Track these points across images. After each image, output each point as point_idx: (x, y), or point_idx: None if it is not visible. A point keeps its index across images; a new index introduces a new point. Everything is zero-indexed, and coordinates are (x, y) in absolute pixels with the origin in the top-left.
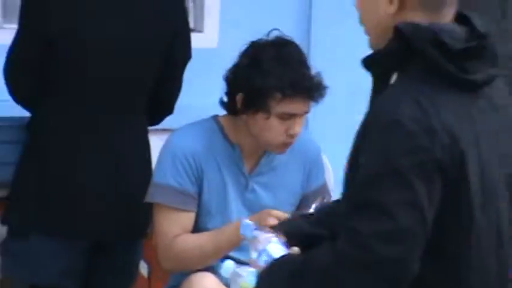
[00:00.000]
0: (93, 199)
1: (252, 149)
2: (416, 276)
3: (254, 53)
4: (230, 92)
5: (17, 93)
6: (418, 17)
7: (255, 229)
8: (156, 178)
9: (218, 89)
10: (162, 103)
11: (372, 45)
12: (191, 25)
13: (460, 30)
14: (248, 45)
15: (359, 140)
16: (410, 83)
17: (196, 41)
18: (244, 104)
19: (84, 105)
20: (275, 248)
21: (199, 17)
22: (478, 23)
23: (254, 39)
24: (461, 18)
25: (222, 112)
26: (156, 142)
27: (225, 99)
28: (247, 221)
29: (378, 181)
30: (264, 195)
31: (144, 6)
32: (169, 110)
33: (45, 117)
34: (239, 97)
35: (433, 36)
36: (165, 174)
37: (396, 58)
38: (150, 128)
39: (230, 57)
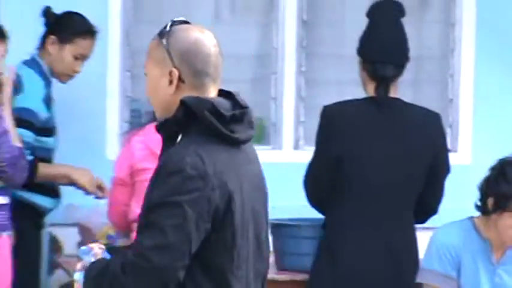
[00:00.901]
0: (374, 285)
1: (500, 243)
2: (190, 282)
3: (501, 166)
4: (482, 197)
5: (310, 199)
6: (189, 94)
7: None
8: (424, 264)
9: (472, 198)
10: (427, 205)
11: (158, 115)
12: (448, 145)
13: (226, 102)
14: (497, 161)
15: (151, 182)
16: (191, 141)
17: (452, 158)
18: (493, 206)
19: (367, 207)
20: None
21: (455, 139)
22: (240, 97)
23: (502, 156)
24: (225, 93)
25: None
26: (421, 237)
27: (478, 203)
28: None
29: (159, 208)
30: (508, 280)
31: (411, 131)
32: (433, 211)
33: (336, 218)
34: (489, 201)
35: (211, 106)
36: (432, 261)
37: (181, 123)
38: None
39: (482, 172)
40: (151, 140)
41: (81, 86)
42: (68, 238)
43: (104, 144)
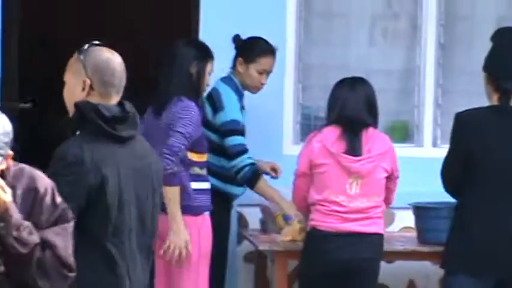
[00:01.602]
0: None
1: None
2: (78, 252)
3: None
4: None
5: (446, 186)
6: (96, 100)
7: None
8: None
9: None
10: None
11: (71, 115)
12: None
13: (114, 108)
14: None
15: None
16: (82, 136)
17: None
18: None
19: (492, 191)
20: None
21: None
22: (129, 105)
23: None
24: (120, 102)
25: None
26: None
27: None
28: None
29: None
30: None
31: None
32: None
33: (466, 201)
34: None
35: (96, 109)
36: None
37: (77, 122)
38: None
39: None
40: (326, 139)
41: (263, 95)
42: (252, 216)
43: (280, 142)
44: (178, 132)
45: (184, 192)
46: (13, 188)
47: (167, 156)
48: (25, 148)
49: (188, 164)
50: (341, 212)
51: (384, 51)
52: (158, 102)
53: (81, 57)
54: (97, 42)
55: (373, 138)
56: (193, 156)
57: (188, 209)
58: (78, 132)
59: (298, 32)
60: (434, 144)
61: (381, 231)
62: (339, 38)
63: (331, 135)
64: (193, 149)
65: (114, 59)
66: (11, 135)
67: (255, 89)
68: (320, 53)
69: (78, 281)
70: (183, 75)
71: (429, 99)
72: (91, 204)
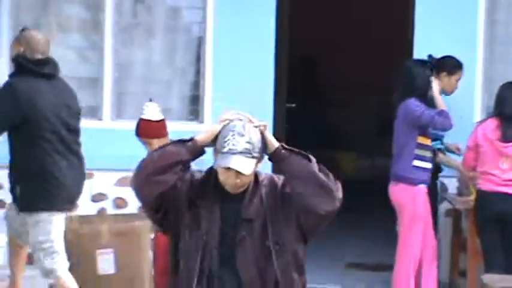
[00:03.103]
0: None
1: None
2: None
3: None
4: None
5: None
6: (31, 56)
7: None
8: None
9: None
10: None
11: None
12: None
13: (40, 57)
14: None
15: None
16: (19, 77)
17: None
18: None
19: None
20: None
21: None
22: (52, 60)
23: None
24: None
25: None
26: None
27: None
28: None
29: None
30: None
31: None
32: None
33: None
34: None
35: (23, 55)
36: None
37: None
38: None
39: None
40: (487, 128)
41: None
42: (451, 184)
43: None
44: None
45: (408, 166)
46: None
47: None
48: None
49: (416, 145)
50: (496, 180)
51: None
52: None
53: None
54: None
55: None
56: (420, 140)
57: (406, 179)
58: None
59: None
60: None
61: None
62: None
63: (491, 125)
64: (421, 133)
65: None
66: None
67: (451, 93)
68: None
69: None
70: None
71: None
72: (25, 121)
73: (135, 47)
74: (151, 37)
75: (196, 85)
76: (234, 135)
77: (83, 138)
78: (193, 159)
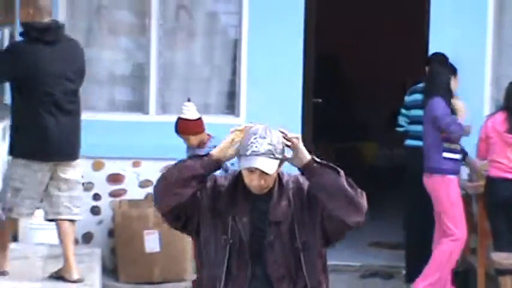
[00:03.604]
0: None
1: None
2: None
3: None
4: None
5: None
6: (39, 19)
7: None
8: None
9: None
10: None
11: None
12: None
13: (45, 23)
14: None
15: None
16: (24, 42)
17: None
18: None
19: None
20: None
21: None
22: (56, 23)
23: None
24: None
25: None
26: None
27: None
28: None
29: None
30: None
31: None
32: None
33: None
34: None
35: (31, 23)
36: None
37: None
38: None
39: None
40: (496, 121)
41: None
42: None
43: None
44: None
45: (439, 158)
46: None
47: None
48: None
49: (443, 138)
50: (504, 168)
51: None
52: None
53: None
54: None
55: None
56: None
57: (438, 170)
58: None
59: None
60: None
61: None
62: None
63: (499, 118)
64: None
65: None
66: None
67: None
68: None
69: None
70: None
71: None
72: (21, 78)
73: (178, 49)
74: (192, 39)
75: (233, 83)
76: (256, 138)
77: (131, 132)
78: (208, 174)
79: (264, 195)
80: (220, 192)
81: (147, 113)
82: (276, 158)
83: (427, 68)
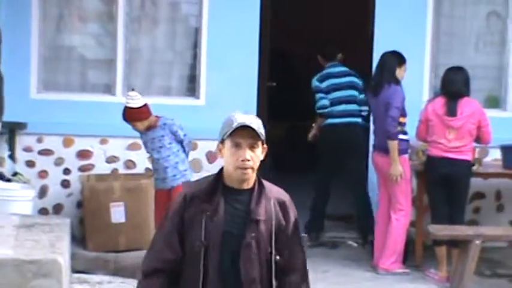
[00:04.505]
0: None
1: None
2: None
3: None
4: None
5: None
6: None
7: None
8: None
9: None
10: None
11: None
12: None
13: None
14: None
15: None
16: None
17: None
18: None
19: None
20: None
21: None
22: None
23: None
24: None
25: None
26: None
27: None
28: None
29: None
30: None
31: None
32: None
33: None
34: None
35: None
36: None
37: None
38: None
39: None
40: (436, 105)
41: None
42: None
43: None
44: (395, 106)
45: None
46: None
47: (391, 122)
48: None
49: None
50: (443, 148)
51: None
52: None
53: None
54: None
55: (465, 104)
56: (402, 119)
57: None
58: None
59: (432, 42)
60: None
61: (469, 159)
62: None
63: (439, 102)
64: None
65: None
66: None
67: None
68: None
69: None
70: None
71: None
72: None
73: (143, 35)
74: (156, 26)
75: (193, 67)
76: (238, 114)
77: (99, 112)
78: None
79: (243, 193)
80: (194, 200)
81: (114, 94)
82: (262, 135)
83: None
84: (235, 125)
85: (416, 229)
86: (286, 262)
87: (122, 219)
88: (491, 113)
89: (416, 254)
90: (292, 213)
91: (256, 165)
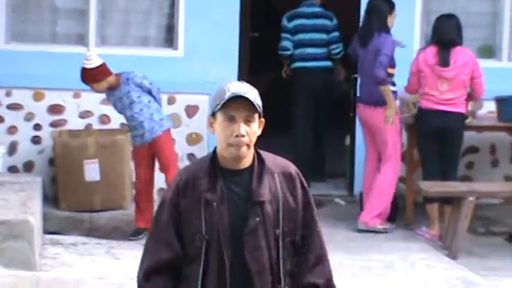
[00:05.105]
0: None
1: None
2: None
3: None
4: None
5: None
6: None
7: None
8: None
9: None
10: None
11: None
12: None
13: None
14: None
15: None
16: None
17: None
18: None
19: None
20: None
21: None
22: None
23: None
24: None
25: None
26: None
27: None
28: None
29: None
30: None
31: None
32: None
33: None
34: None
35: None
36: None
37: None
38: None
39: None
40: (427, 55)
41: None
42: None
43: None
44: (385, 53)
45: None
46: None
47: (379, 67)
48: None
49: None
50: (435, 100)
51: None
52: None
53: None
54: None
55: (458, 54)
56: (391, 70)
57: (383, 103)
58: None
59: None
60: (510, 59)
61: (462, 111)
62: None
63: (431, 52)
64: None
65: None
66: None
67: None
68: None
69: None
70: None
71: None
72: None
73: None
74: None
75: (171, 16)
76: (231, 84)
77: (72, 64)
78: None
79: (242, 174)
80: (188, 187)
81: (86, 45)
82: (259, 107)
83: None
84: (227, 95)
85: (407, 186)
86: (299, 243)
87: (97, 178)
88: (485, 63)
89: (407, 211)
90: (301, 187)
91: (253, 141)
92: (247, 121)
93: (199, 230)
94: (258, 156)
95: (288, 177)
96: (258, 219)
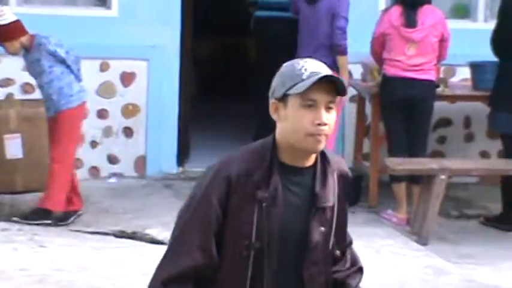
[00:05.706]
0: None
1: None
2: None
3: None
4: None
5: (494, 49)
6: None
7: None
8: None
9: None
10: None
11: None
12: None
13: None
14: None
15: None
16: None
17: None
18: None
19: None
20: None
21: None
22: None
23: None
24: None
25: None
26: None
27: None
28: None
29: None
30: None
31: None
32: None
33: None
34: None
35: None
36: None
37: None
38: None
39: None
40: (392, 16)
41: None
42: (355, 70)
43: None
44: (343, 16)
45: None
46: None
47: (341, 35)
48: None
49: None
50: (402, 66)
51: None
52: None
53: None
54: None
55: (427, 13)
56: None
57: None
58: None
59: None
60: (486, 20)
61: (432, 78)
62: None
63: (395, 12)
64: None
65: None
66: None
67: None
68: None
69: None
70: None
71: None
72: None
73: None
74: None
75: None
76: (306, 62)
77: None
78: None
79: (304, 173)
80: (240, 183)
81: (6, 4)
82: (344, 90)
83: None
84: (307, 75)
85: (370, 163)
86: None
87: (19, 155)
88: (458, 24)
89: (371, 192)
90: (348, 189)
91: (334, 123)
92: (328, 108)
93: (248, 236)
94: (322, 153)
95: (345, 177)
96: (322, 229)
